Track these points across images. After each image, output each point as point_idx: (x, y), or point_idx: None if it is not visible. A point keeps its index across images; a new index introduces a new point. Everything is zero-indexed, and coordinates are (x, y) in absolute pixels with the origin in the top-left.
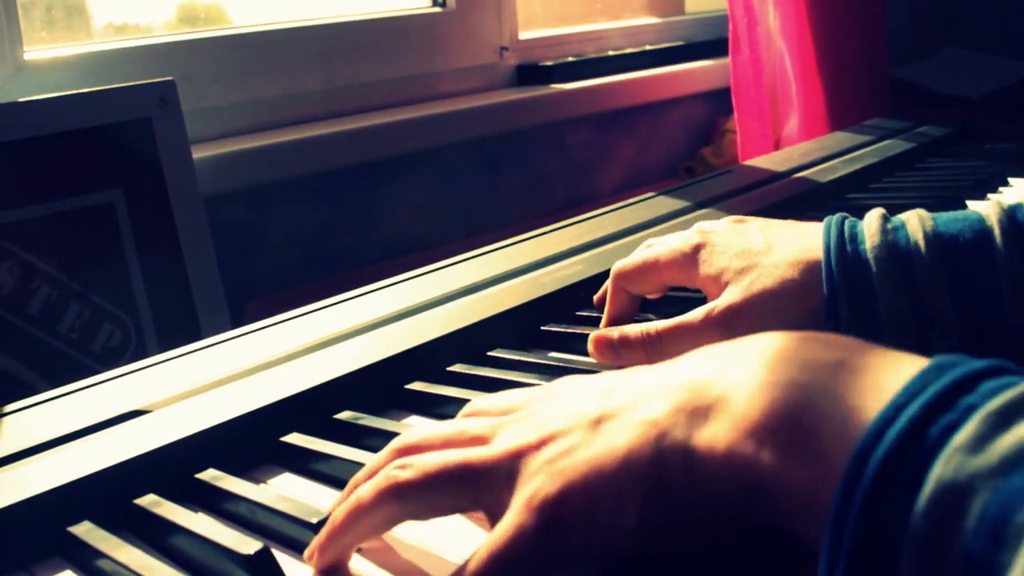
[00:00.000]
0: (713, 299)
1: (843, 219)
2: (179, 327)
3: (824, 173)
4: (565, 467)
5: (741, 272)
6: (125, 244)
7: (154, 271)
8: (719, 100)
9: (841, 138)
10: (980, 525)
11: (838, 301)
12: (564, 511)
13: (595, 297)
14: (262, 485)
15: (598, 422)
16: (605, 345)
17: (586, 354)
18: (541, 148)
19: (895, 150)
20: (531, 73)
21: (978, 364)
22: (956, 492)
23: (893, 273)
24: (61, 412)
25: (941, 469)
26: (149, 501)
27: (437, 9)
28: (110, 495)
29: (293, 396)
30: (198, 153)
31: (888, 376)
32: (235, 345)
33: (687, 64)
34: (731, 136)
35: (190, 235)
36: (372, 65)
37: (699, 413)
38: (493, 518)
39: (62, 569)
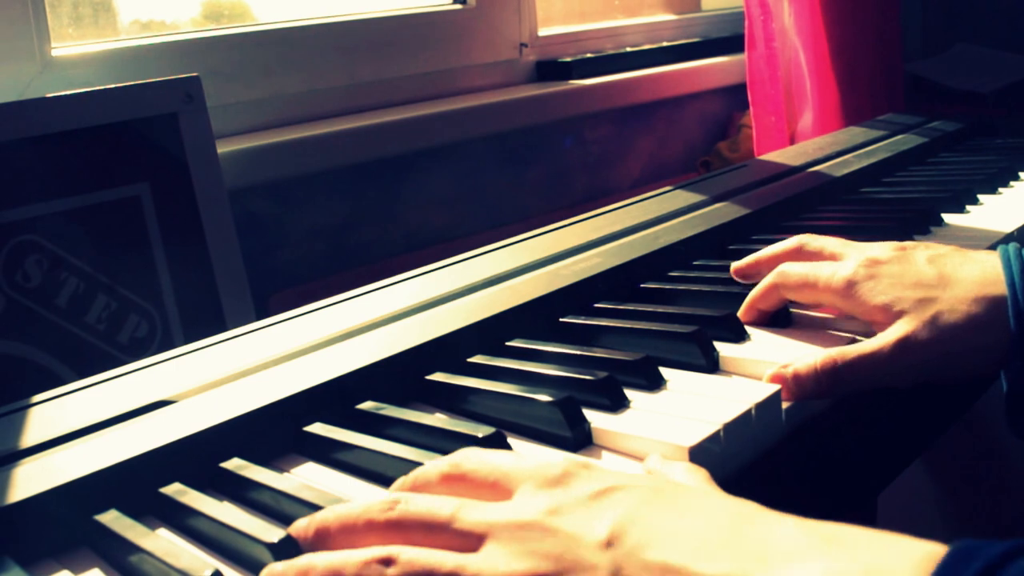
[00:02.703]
0: (881, 329)
1: (1020, 250)
2: (204, 319)
3: (838, 167)
4: None
5: (920, 304)
6: (151, 237)
7: (180, 263)
8: (735, 95)
9: (855, 133)
10: None
11: None
12: None
13: (734, 267)
14: (286, 474)
15: (607, 551)
16: (779, 382)
17: (603, 346)
18: (560, 142)
19: (908, 145)
20: (550, 69)
21: (997, 548)
22: None
23: None
24: (88, 402)
25: None
26: (175, 490)
27: (458, 6)
28: (136, 484)
29: (316, 387)
30: (223, 148)
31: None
32: (259, 336)
33: (704, 60)
34: (747, 131)
35: (215, 228)
36: (394, 61)
37: None
38: None
39: (89, 557)
